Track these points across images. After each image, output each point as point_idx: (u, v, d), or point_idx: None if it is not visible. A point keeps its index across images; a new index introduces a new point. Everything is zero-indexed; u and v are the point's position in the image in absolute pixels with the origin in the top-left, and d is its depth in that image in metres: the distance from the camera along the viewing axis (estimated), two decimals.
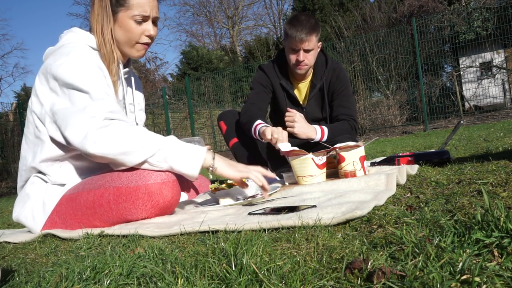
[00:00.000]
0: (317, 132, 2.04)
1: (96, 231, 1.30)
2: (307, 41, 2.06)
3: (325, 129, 2.06)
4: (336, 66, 2.25)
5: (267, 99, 2.26)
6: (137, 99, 1.77)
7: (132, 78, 1.73)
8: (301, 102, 2.29)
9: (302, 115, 2.03)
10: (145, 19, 1.53)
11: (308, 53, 2.10)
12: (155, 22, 1.59)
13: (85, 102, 1.36)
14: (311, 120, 2.30)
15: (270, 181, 2.00)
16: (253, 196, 1.59)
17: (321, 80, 2.22)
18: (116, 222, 1.42)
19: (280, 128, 1.87)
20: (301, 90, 2.29)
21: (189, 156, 1.39)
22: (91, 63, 1.43)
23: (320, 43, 2.19)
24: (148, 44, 1.59)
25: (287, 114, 2.02)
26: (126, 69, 1.65)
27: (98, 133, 1.32)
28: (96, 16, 1.51)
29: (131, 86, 1.73)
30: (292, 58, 2.12)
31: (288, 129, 1.98)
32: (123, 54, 1.62)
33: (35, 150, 1.49)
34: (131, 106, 1.71)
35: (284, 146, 1.79)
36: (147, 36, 1.56)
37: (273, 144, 1.85)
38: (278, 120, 2.35)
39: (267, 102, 2.26)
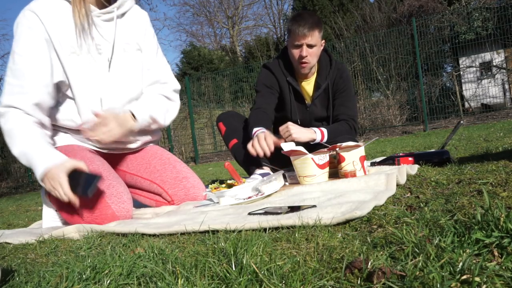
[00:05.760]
0: (316, 133, 2.04)
1: (96, 227, 1.30)
2: (310, 35, 2.05)
3: (324, 130, 2.07)
4: (341, 66, 2.26)
5: (273, 100, 2.23)
6: (128, 38, 1.69)
7: (115, 18, 1.64)
8: (306, 100, 2.29)
9: (291, 123, 2.03)
10: None
11: (311, 48, 2.09)
12: None
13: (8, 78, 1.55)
14: (315, 119, 2.29)
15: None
16: (253, 196, 1.59)
17: (326, 80, 2.22)
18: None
19: (264, 134, 1.82)
20: (305, 89, 2.29)
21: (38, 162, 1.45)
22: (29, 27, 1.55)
23: (324, 41, 2.19)
24: None
25: (280, 129, 2.02)
26: (107, 9, 1.59)
27: None
28: None
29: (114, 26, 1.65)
30: (295, 53, 2.12)
31: (287, 138, 1.98)
32: None
33: None
34: (119, 45, 1.66)
35: (287, 145, 1.79)
36: None
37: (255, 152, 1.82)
38: (280, 118, 2.35)
39: (273, 103, 2.23)
